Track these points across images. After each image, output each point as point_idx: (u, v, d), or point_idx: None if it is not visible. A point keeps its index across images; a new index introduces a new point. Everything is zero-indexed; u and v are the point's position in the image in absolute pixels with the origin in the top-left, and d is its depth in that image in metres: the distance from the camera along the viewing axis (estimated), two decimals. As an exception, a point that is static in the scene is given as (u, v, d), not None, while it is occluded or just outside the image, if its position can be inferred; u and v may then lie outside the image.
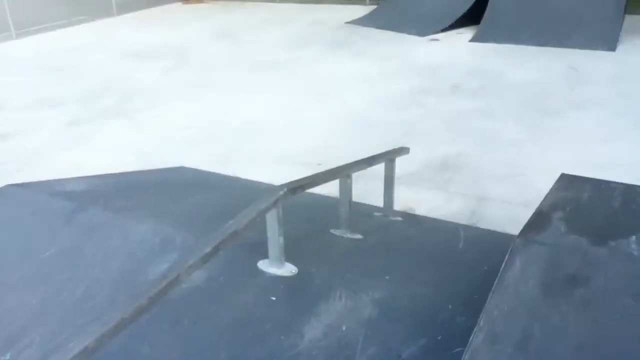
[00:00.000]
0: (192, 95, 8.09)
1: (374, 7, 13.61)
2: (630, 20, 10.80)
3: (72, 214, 2.79)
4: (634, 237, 2.41)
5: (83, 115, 7.38)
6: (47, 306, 2.08)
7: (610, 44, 9.48)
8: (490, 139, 6.01)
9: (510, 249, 2.33)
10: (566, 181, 3.25)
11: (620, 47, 9.45)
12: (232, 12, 15.05)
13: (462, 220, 4.18)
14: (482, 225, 4.15)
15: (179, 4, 16.66)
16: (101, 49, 11.36)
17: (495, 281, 2.03)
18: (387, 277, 2.41)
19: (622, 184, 3.15)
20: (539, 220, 2.65)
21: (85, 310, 2.02)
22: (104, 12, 15.10)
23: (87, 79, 9.13)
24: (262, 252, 2.42)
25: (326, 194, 3.67)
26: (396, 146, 4.00)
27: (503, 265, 2.18)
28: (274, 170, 5.35)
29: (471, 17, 11.00)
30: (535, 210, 2.77)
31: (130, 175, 4.63)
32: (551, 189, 3.09)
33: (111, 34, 13.02)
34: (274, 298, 2.21)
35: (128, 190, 3.70)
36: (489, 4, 10.97)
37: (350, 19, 12.82)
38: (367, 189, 4.35)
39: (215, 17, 14.38)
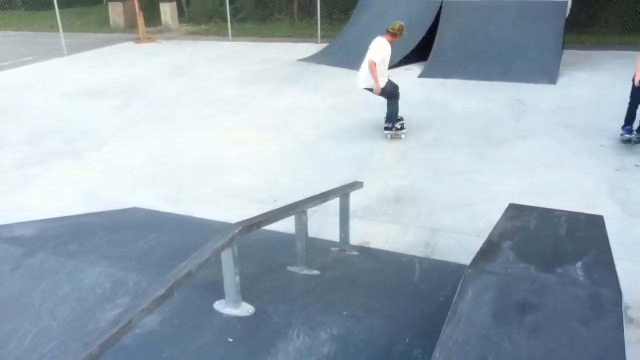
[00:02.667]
0: (141, 133, 8.00)
1: (326, 44, 13.90)
2: (568, 54, 11.40)
3: (19, 260, 2.70)
4: (579, 263, 2.50)
5: (29, 157, 7.18)
6: (-8, 359, 1.99)
7: (551, 77, 9.94)
8: (441, 170, 6.17)
9: (462, 279, 2.38)
10: (514, 210, 3.35)
11: (560, 80, 9.92)
12: (183, 50, 15.09)
13: (417, 251, 4.24)
14: (437, 255, 4.22)
15: (131, 43, 16.60)
16: (49, 88, 11.15)
17: (449, 311, 2.07)
18: (344, 312, 2.41)
19: (566, 211, 3.28)
20: (489, 250, 2.72)
21: (34, 362, 1.95)
22: (54, 52, 14.90)
23: (33, 119, 8.92)
24: (218, 292, 2.40)
25: (282, 230, 3.67)
26: (350, 180, 4.05)
27: (456, 296, 2.22)
28: (228, 207, 5.32)
29: (419, 54, 11.36)
30: (485, 240, 2.85)
31: (82, 217, 4.52)
32: (500, 219, 3.19)
33: (60, 73, 12.82)
34: (231, 339, 2.18)
35: (79, 233, 3.61)
36: (436, 41, 11.37)
37: (302, 57, 13.04)
38: (323, 224, 4.38)
39: (166, 55, 14.37)
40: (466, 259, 2.82)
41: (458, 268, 3.25)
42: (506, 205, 3.42)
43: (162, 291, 1.94)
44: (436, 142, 7.11)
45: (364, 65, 7.40)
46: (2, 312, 2.28)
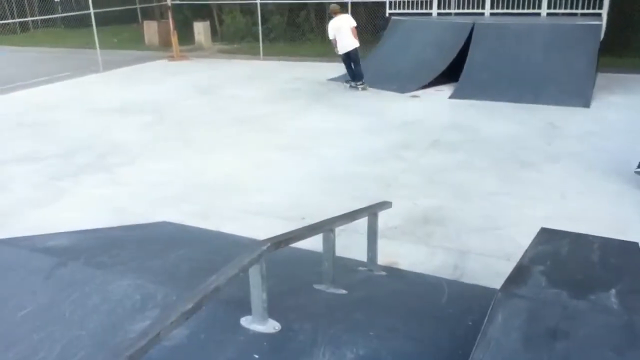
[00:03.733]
0: (171, 151, 8.12)
1: (356, 64, 13.97)
2: (602, 77, 11.25)
3: (51, 270, 2.75)
4: (613, 291, 2.44)
5: (62, 171, 7.35)
6: (22, 367, 2.02)
7: (584, 101, 9.81)
8: (470, 192, 6.10)
9: (492, 303, 2.34)
10: (546, 235, 3.30)
11: (593, 103, 9.79)
12: (215, 69, 15.34)
13: (446, 274, 4.19)
14: (465, 279, 4.17)
15: (165, 61, 16.96)
16: (84, 104, 11.44)
17: (479, 336, 2.03)
18: (371, 333, 2.39)
19: (599, 237, 3.21)
20: (520, 274, 2.67)
21: (63, 371, 1.97)
22: (90, 68, 15.31)
23: (67, 135, 9.14)
24: (245, 308, 2.40)
25: (309, 249, 3.67)
26: (377, 200, 4.04)
27: (486, 320, 2.18)
28: (255, 224, 5.35)
29: (450, 75, 11.35)
30: (517, 264, 2.80)
31: (113, 230, 4.60)
32: (531, 243, 3.14)
33: (95, 89, 13.16)
34: (257, 356, 2.17)
35: (110, 245, 3.67)
36: (467, 62, 11.35)
37: (332, 76, 13.13)
38: (351, 243, 4.36)
39: (198, 74, 14.63)
40: (495, 282, 2.78)
41: (487, 292, 3.19)
42: (536, 229, 3.37)
43: (190, 305, 1.95)
44: (465, 164, 7.06)
45: (347, 34, 11.16)
46: (33, 320, 2.32)
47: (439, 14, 13.82)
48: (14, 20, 23.13)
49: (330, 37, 11.42)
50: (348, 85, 11.76)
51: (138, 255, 3.44)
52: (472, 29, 11.76)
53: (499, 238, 4.97)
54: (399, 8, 14.16)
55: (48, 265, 2.80)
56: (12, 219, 5.88)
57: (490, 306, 2.36)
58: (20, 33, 24.58)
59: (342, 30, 11.18)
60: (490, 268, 4.35)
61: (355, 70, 11.56)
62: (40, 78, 13.59)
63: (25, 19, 23.44)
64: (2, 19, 22.22)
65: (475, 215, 5.50)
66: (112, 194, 6.51)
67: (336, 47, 11.41)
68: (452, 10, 13.81)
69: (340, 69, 13.86)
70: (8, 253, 3.03)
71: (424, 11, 13.90)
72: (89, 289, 2.56)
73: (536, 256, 2.96)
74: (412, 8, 14.01)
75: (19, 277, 2.73)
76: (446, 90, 11.15)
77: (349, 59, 11.47)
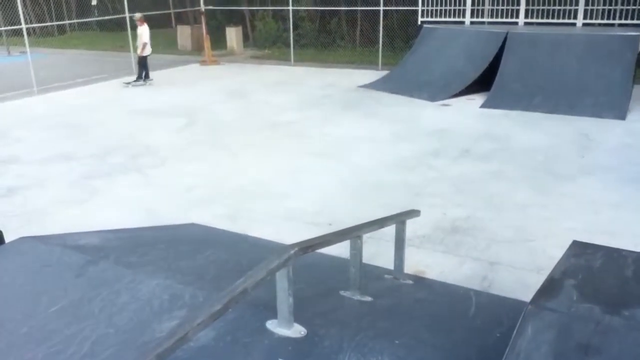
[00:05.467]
0: (201, 154, 8.21)
1: (387, 72, 13.96)
2: (638, 89, 10.99)
3: (83, 267, 2.79)
4: (648, 307, 2.37)
5: (95, 171, 7.49)
6: (52, 362, 2.05)
7: (619, 113, 9.61)
8: (500, 203, 6.02)
9: (522, 316, 2.30)
10: (578, 248, 3.22)
11: (629, 116, 9.57)
12: (246, 74, 15.48)
13: (474, 284, 4.13)
14: (494, 290, 4.10)
15: (197, 65, 17.19)
16: (117, 106, 11.67)
17: (507, 348, 1.99)
18: (397, 342, 2.37)
19: (634, 252, 3.12)
20: (551, 287, 2.62)
21: (91, 367, 2.00)
22: (124, 71, 15.60)
23: (101, 135, 9.32)
24: (271, 312, 2.40)
25: (336, 255, 3.66)
26: (405, 208, 4.01)
27: (515, 332, 2.14)
28: (282, 229, 5.36)
29: (482, 84, 11.24)
30: (547, 277, 2.74)
31: (142, 230, 4.65)
32: (563, 256, 3.07)
33: (128, 92, 13.40)
34: (281, 359, 2.17)
35: (139, 245, 3.71)
36: (499, 71, 11.23)
37: (362, 83, 13.13)
38: (378, 250, 4.34)
39: (229, 78, 14.78)
40: (525, 295, 2.73)
41: (517, 304, 3.13)
42: (568, 242, 3.30)
43: (218, 307, 1.96)
44: (496, 174, 6.97)
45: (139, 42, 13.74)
46: (65, 316, 2.36)
47: (471, 22, 13.72)
48: (52, 23, 23.76)
49: (147, 40, 13.75)
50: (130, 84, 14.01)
51: (166, 255, 3.48)
52: (506, 38, 11.64)
53: (529, 250, 4.89)
54: (432, 16, 14.11)
55: (80, 263, 2.85)
56: (46, 216, 6.02)
57: (520, 319, 2.32)
58: (58, 35, 25.21)
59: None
60: (520, 280, 4.28)
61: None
62: (76, 80, 13.91)
63: (63, 22, 24.04)
64: (41, 22, 22.82)
65: (506, 226, 5.42)
66: (144, 195, 6.61)
67: (145, 49, 13.78)
68: (485, 19, 13.70)
69: (371, 75, 13.87)
70: (42, 250, 3.09)
71: (456, 20, 13.84)
72: (119, 287, 2.60)
73: (568, 269, 2.89)
74: (445, 16, 13.95)
75: (52, 274, 2.78)
76: (478, 99, 11.05)
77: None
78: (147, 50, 13.81)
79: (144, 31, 13.63)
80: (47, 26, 23.51)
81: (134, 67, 15.53)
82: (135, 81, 13.98)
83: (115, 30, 21.93)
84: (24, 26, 13.57)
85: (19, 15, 13.66)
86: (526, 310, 2.31)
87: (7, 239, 3.17)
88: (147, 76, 14.09)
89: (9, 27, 17.04)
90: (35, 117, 10.92)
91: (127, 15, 15.80)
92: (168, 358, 1.71)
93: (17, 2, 13.47)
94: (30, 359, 2.08)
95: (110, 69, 16.15)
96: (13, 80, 14.07)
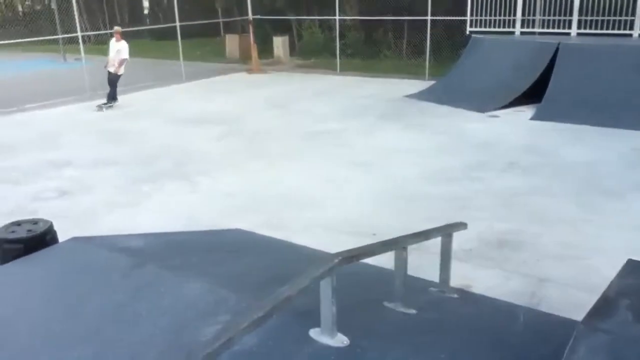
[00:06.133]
0: (243, 161, 8.29)
1: (433, 82, 13.82)
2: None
3: (129, 269, 2.84)
4: None
5: (140, 176, 7.65)
6: (97, 363, 2.08)
7: (675, 127, 9.22)
8: (549, 218, 5.85)
9: (573, 336, 2.21)
10: (633, 267, 3.09)
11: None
12: (291, 82, 15.60)
13: (522, 301, 4.00)
14: (543, 307, 3.97)
15: (244, 73, 17.43)
16: (165, 113, 11.92)
17: (559, 368, 1.91)
18: (442, 356, 2.31)
19: (695, 273, 2.97)
20: (604, 307, 2.51)
21: (136, 368, 2.02)
22: (174, 79, 15.96)
23: (148, 142, 9.53)
24: (313, 320, 2.38)
25: (379, 265, 3.62)
26: (449, 221, 3.93)
27: (566, 352, 2.06)
28: (324, 238, 5.34)
29: (532, 96, 10.99)
30: (600, 296, 2.63)
31: (187, 234, 4.72)
32: (617, 275, 2.94)
33: (176, 99, 13.69)
34: (324, 369, 2.14)
35: (183, 249, 3.76)
36: (550, 83, 10.95)
37: (408, 93, 13.03)
38: (422, 263, 4.26)
39: (274, 87, 14.92)
40: (575, 314, 2.63)
41: (567, 323, 3.02)
42: (621, 261, 3.16)
43: (261, 313, 1.95)
44: (544, 188, 6.78)
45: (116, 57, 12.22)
46: (111, 317, 2.39)
47: (522, 33, 13.46)
48: (106, 32, 24.52)
49: (127, 57, 12.36)
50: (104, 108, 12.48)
51: (210, 260, 3.50)
52: (557, 49, 11.35)
53: (580, 267, 4.72)
54: (480, 26, 13.91)
55: (127, 264, 2.89)
56: (95, 218, 6.18)
57: (572, 338, 2.23)
58: (111, 43, 25.98)
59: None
60: (570, 298, 4.13)
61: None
62: (127, 86, 14.27)
63: (120, 29, 24.73)
64: (96, 30, 23.61)
65: (554, 242, 5.25)
66: (186, 201, 6.71)
67: (120, 66, 12.30)
68: (536, 30, 13.42)
69: (417, 85, 13.75)
70: (91, 251, 3.16)
71: (506, 30, 13.59)
72: (163, 290, 2.62)
73: (622, 289, 2.77)
74: (494, 27, 13.73)
75: (100, 274, 2.84)
76: (527, 111, 10.80)
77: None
78: (123, 69, 12.35)
79: (124, 46, 12.26)
80: (101, 34, 24.30)
81: (183, 75, 15.86)
82: (106, 103, 12.41)
83: (165, 39, 22.45)
84: (79, 34, 14.07)
85: (75, 23, 14.16)
86: (578, 330, 2.22)
87: (59, 239, 3.25)
88: (114, 97, 12.56)
89: (66, 35, 17.69)
90: (87, 122, 11.27)
91: (177, 24, 16.19)
92: (212, 362, 1.71)
93: (74, 11, 13.98)
94: (77, 357, 2.11)
95: (159, 76, 16.54)
96: (68, 86, 14.57)
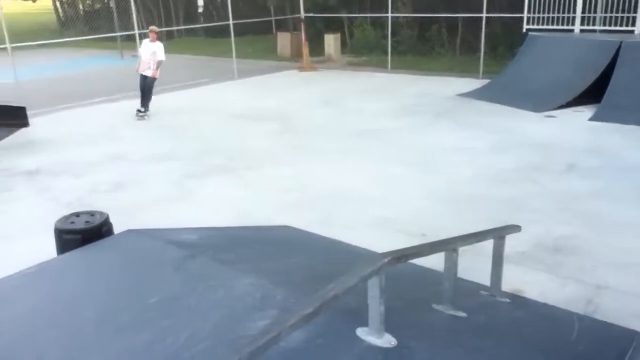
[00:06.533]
0: (294, 158, 8.33)
1: (487, 80, 13.53)
2: None
3: (182, 262, 2.89)
4: None
5: (193, 171, 7.80)
6: (150, 352, 2.13)
7: None
8: (608, 223, 5.62)
9: (632, 346, 2.12)
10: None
11: None
12: (342, 80, 15.58)
13: (577, 308, 3.87)
14: (599, 315, 3.82)
15: (295, 71, 17.53)
16: (217, 109, 12.12)
17: (618, 380, 1.83)
18: (492, 362, 2.25)
19: None
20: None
21: (186, 359, 2.05)
22: (226, 76, 16.21)
23: (200, 136, 9.72)
24: (360, 319, 2.36)
25: (428, 266, 3.56)
26: (503, 223, 3.83)
27: (627, 363, 1.97)
28: (374, 236, 5.30)
29: (591, 95, 10.60)
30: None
31: (238, 229, 4.78)
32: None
33: (228, 96, 13.89)
34: (371, 369, 2.12)
35: (234, 243, 3.80)
36: (611, 82, 10.54)
37: (461, 91, 12.80)
38: (473, 265, 4.17)
39: (325, 84, 14.93)
40: (635, 323, 2.51)
41: (625, 333, 2.89)
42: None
43: (309, 310, 1.95)
44: (605, 192, 6.52)
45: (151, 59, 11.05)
46: (162, 308, 2.44)
47: (581, 30, 13.00)
48: (161, 29, 25.13)
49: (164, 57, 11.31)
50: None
51: (260, 255, 3.53)
52: (619, 47, 10.90)
53: (640, 275, 4.52)
54: (538, 24, 13.52)
55: (178, 257, 2.95)
56: (147, 211, 6.34)
57: (631, 349, 2.14)
58: (166, 40, 26.65)
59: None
60: (629, 307, 3.96)
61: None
62: (180, 83, 14.60)
63: (171, 28, 25.41)
64: (152, 28, 24.21)
65: (614, 248, 5.05)
66: (238, 196, 6.80)
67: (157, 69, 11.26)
68: (597, 27, 12.93)
69: (471, 84, 13.50)
70: (145, 243, 3.24)
71: (565, 27, 13.16)
72: (214, 283, 2.66)
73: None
74: (552, 24, 13.32)
75: (153, 266, 2.90)
76: (586, 111, 10.42)
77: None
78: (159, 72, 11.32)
79: (160, 47, 11.18)
80: (158, 32, 24.90)
81: (235, 72, 16.08)
82: (145, 110, 11.46)
83: (218, 37, 22.84)
84: (136, 31, 14.47)
85: (133, 21, 14.58)
86: (637, 340, 2.13)
87: (115, 230, 3.34)
88: (147, 105, 11.52)
89: (123, 33, 18.26)
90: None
91: (231, 22, 16.42)
92: (260, 356, 1.72)
93: (131, 10, 14.40)
94: (130, 347, 2.17)
95: (212, 73, 16.84)
96: (125, 82, 15.01)
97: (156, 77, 11.21)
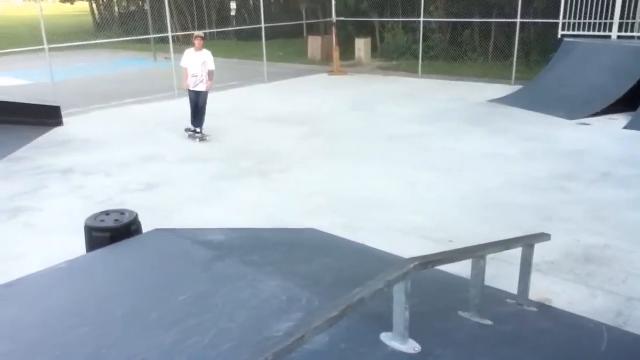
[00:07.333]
0: (323, 162, 8.34)
1: (520, 87, 13.35)
2: None
3: (209, 262, 2.93)
4: None
5: (223, 173, 7.89)
6: (177, 350, 2.16)
7: None
8: (643, 235, 5.49)
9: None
10: None
11: None
12: (372, 85, 15.55)
13: (607, 320, 3.79)
14: (630, 328, 3.74)
15: (325, 75, 17.57)
16: (247, 112, 12.21)
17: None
18: (518, 371, 2.22)
19: None
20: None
21: (212, 358, 2.08)
22: (257, 79, 16.34)
23: (230, 140, 9.80)
24: (385, 325, 2.36)
25: (455, 273, 3.53)
26: (533, 232, 3.78)
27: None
28: (400, 242, 5.28)
29: (627, 103, 10.37)
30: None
31: (265, 232, 4.82)
32: None
33: (258, 99, 13.99)
34: (394, 374, 2.12)
35: (261, 246, 3.84)
36: (648, 90, 10.30)
37: (493, 98, 12.66)
38: (500, 273, 4.13)
39: (355, 89, 14.92)
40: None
41: (657, 346, 2.83)
42: None
43: (335, 313, 1.96)
44: (638, 202, 6.37)
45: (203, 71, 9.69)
46: (190, 307, 2.48)
47: (619, 37, 12.73)
48: (194, 32, 25.49)
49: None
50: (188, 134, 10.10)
51: (286, 258, 3.56)
52: (657, 53, 10.66)
53: (675, 289, 4.40)
54: (574, 30, 13.30)
55: (207, 257, 2.99)
56: (177, 212, 6.43)
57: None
58: (200, 44, 26.97)
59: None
60: (662, 321, 3.86)
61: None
62: (213, 86, 14.73)
63: (204, 31, 25.70)
64: (185, 31, 24.59)
65: (647, 260, 4.93)
66: (266, 199, 6.84)
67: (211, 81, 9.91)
68: (635, 34, 12.66)
69: (503, 90, 13.33)
70: (174, 242, 3.30)
71: (602, 34, 12.92)
72: (241, 284, 2.69)
73: None
74: (589, 30, 13.08)
75: (182, 266, 2.95)
76: (621, 119, 10.20)
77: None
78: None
79: (210, 56, 9.78)
80: (189, 35, 25.26)
81: (266, 76, 16.18)
82: (200, 131, 9.91)
83: (250, 40, 23.03)
84: (170, 34, 14.70)
85: (167, 23, 14.82)
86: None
87: (143, 230, 3.41)
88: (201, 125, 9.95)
89: (157, 35, 18.56)
90: (175, 119, 11.73)
91: (263, 25, 16.56)
92: (284, 358, 1.73)
93: (166, 12, 14.63)
94: (158, 344, 2.20)
95: (243, 76, 17.00)
96: (158, 83, 15.27)
97: (210, 90, 9.92)
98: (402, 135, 9.81)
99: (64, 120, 11.20)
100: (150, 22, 21.94)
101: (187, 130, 10.06)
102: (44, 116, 10.95)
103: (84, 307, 2.62)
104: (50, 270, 2.98)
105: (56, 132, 10.55)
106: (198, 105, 9.82)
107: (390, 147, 9.10)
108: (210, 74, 9.73)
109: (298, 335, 1.78)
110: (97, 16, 34.19)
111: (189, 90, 9.80)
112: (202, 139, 9.77)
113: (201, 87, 9.70)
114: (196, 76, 9.63)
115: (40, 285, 2.91)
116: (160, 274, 2.93)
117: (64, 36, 18.51)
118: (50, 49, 12.14)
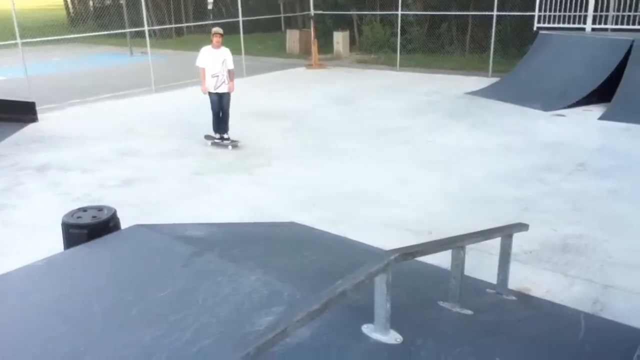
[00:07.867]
0: (306, 157, 8.33)
1: (497, 79, 13.48)
2: None
3: (189, 258, 2.91)
4: None
5: (204, 168, 7.83)
6: (157, 346, 2.14)
7: None
8: (618, 223, 5.59)
9: (639, 346, 2.11)
10: None
11: None
12: (351, 78, 15.55)
13: (584, 307, 3.85)
14: (606, 315, 3.81)
15: (303, 68, 17.52)
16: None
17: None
18: (497, 359, 2.25)
19: None
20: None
21: (193, 354, 2.06)
22: (235, 73, 16.18)
23: (211, 133, 9.69)
24: (366, 316, 2.37)
25: (435, 264, 3.56)
26: (513, 222, 3.82)
27: (634, 362, 1.96)
28: (383, 235, 5.31)
29: (601, 95, 10.53)
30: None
31: (245, 226, 4.79)
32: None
33: (237, 94, 13.82)
34: (376, 365, 2.13)
35: (241, 240, 3.82)
36: (622, 82, 10.47)
37: (470, 90, 12.75)
38: (480, 263, 4.17)
39: (334, 83, 14.91)
40: (642, 324, 2.50)
41: (632, 332, 2.89)
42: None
43: (316, 306, 1.96)
44: (615, 192, 6.48)
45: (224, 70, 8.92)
46: (170, 303, 2.46)
47: (593, 29, 12.91)
48: (171, 26, 25.23)
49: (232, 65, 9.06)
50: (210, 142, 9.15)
51: (267, 252, 3.55)
52: (631, 46, 10.82)
53: (649, 276, 4.49)
54: (549, 22, 13.44)
55: (186, 253, 2.97)
56: (157, 207, 6.37)
57: (638, 348, 2.13)
58: (175, 37, 26.72)
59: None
60: (637, 306, 3.94)
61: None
62: (188, 80, 14.59)
63: (181, 25, 25.48)
64: (161, 24, 24.30)
65: (623, 248, 5.02)
66: (249, 193, 6.81)
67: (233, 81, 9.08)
68: (608, 26, 12.84)
69: (480, 82, 13.44)
70: (153, 238, 3.26)
71: (576, 26, 13.08)
72: (221, 279, 2.67)
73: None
74: (564, 23, 13.24)
75: (161, 261, 2.92)
76: (596, 110, 10.36)
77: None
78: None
79: (229, 54, 9.15)
80: (166, 28, 24.98)
81: (244, 70, 16.07)
82: (227, 137, 9.08)
83: (227, 34, 22.83)
84: (146, 28, 14.50)
85: (143, 18, 14.63)
86: (645, 340, 2.12)
87: (122, 226, 3.36)
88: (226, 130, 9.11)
89: (133, 29, 18.32)
90: (152, 113, 11.63)
91: (240, 19, 16.44)
92: (267, 351, 1.73)
93: (141, 6, 14.44)
94: (137, 340, 2.18)
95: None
96: (135, 78, 15.08)
97: (232, 90, 9.05)
98: (384, 128, 9.83)
99: (39, 116, 11.01)
100: (125, 16, 21.64)
101: (209, 137, 9.12)
102: (18, 112, 10.74)
103: (62, 304, 2.58)
104: (27, 267, 2.93)
105: (31, 128, 10.36)
106: (223, 108, 8.97)
107: (373, 141, 9.12)
108: (231, 73, 8.98)
109: (280, 329, 1.77)
110: (71, 10, 33.62)
111: (210, 93, 8.94)
112: (235, 146, 8.84)
113: (224, 88, 8.87)
114: (217, 76, 8.81)
115: (18, 283, 2.86)
116: (140, 269, 2.90)
117: (37, 30, 18.15)
118: (23, 44, 11.90)
